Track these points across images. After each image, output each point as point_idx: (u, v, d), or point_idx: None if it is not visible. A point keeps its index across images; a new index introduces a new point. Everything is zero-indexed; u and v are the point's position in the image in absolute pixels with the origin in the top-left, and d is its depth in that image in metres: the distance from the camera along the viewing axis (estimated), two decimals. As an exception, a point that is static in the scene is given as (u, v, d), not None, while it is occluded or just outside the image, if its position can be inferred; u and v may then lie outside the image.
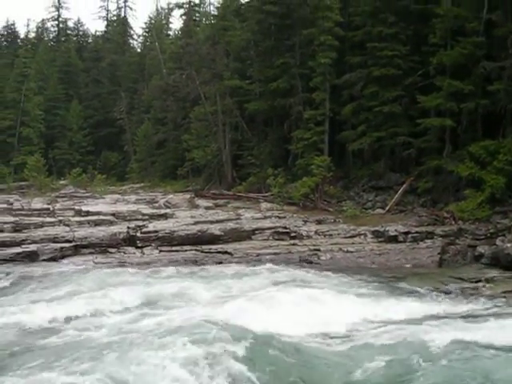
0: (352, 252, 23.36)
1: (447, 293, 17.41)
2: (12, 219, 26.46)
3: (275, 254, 23.25)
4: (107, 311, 15.01)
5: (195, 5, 65.38)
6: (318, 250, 23.62)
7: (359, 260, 22.56)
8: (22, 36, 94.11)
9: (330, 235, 26.00)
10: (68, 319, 14.24)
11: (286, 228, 26.31)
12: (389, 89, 32.15)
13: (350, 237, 25.73)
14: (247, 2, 47.03)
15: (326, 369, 11.31)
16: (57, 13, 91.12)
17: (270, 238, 25.66)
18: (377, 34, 32.79)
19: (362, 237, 25.64)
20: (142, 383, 9.96)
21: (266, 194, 36.15)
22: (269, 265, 21.21)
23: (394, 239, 24.72)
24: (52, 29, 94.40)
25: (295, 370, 10.94)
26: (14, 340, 13.03)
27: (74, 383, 9.85)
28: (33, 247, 22.38)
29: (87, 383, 9.78)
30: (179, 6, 57.70)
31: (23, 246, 22.55)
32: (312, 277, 19.36)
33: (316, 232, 26.27)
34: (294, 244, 24.74)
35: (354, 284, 18.53)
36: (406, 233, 24.93)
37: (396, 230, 25.09)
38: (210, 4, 68.07)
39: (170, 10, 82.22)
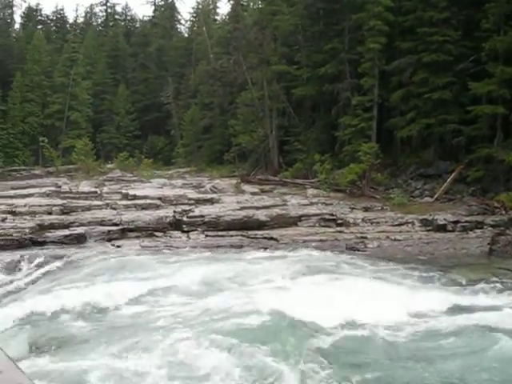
0: (399, 240, 22.98)
1: (495, 284, 17.03)
2: (60, 202, 26.84)
3: (321, 240, 22.92)
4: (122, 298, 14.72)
5: (243, -11, 65.49)
6: (365, 237, 23.26)
7: (407, 248, 22.18)
8: (70, 21, 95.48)
9: (377, 223, 25.60)
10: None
11: (332, 215, 26.01)
12: (439, 75, 31.58)
13: (398, 225, 25.32)
14: (295, -13, 46.65)
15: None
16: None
17: (317, 224, 25.37)
18: (428, 18, 32.19)
19: (410, 225, 25.23)
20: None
21: (313, 181, 35.99)
22: (313, 251, 21.03)
23: (442, 228, 24.25)
24: (100, 14, 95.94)
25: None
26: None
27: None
28: (81, 230, 22.51)
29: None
30: (227, -9, 57.73)
31: (71, 228, 22.69)
32: (357, 264, 19.12)
33: (363, 219, 25.92)
34: (340, 231, 24.41)
35: (400, 273, 18.17)
36: (455, 222, 24.44)
37: (445, 219, 24.64)
38: (257, -11, 67.71)
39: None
